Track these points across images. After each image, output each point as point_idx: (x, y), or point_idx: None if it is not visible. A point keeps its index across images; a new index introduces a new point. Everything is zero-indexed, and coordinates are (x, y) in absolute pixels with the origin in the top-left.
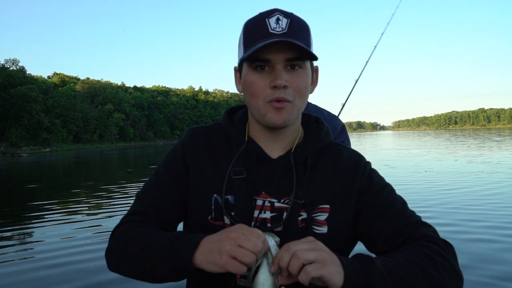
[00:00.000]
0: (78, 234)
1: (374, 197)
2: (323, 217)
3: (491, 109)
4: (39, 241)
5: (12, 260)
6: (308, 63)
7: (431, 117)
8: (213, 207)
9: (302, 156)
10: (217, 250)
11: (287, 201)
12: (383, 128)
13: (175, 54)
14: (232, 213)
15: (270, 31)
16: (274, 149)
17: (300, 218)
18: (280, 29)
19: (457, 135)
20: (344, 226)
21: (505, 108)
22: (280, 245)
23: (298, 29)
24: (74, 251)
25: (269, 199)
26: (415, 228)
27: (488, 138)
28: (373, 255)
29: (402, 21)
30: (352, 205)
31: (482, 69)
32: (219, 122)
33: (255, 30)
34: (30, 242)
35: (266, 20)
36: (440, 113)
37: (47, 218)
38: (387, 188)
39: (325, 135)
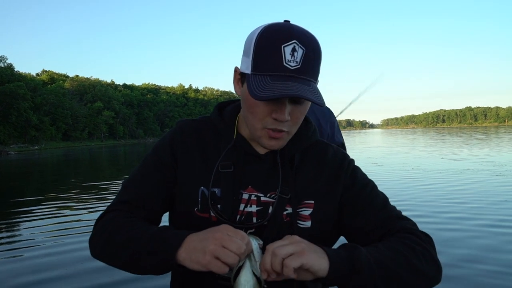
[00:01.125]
0: (67, 231)
1: (357, 192)
2: (307, 212)
3: (478, 107)
4: (28, 239)
5: (1, 259)
6: None
7: (419, 115)
8: (199, 199)
9: (290, 153)
10: (201, 249)
11: (273, 195)
12: (372, 126)
13: (165, 51)
14: (218, 206)
15: (284, 64)
16: None
17: (285, 212)
18: (294, 63)
19: (443, 133)
20: (326, 221)
21: (492, 107)
22: (263, 247)
23: (312, 62)
24: (65, 249)
25: (255, 193)
26: (395, 222)
27: (473, 136)
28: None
29: (391, 18)
30: (336, 200)
31: (469, 68)
32: (209, 116)
33: (268, 55)
34: (19, 240)
35: (282, 48)
36: (428, 112)
37: (36, 214)
38: (370, 184)
39: (312, 133)
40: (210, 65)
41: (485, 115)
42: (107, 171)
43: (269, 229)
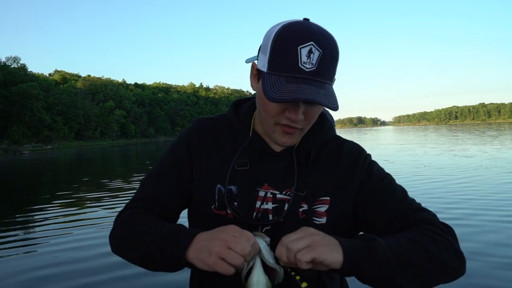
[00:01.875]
0: (79, 228)
1: (374, 186)
2: (323, 208)
3: (491, 103)
4: (42, 237)
5: (16, 254)
6: None
7: (431, 112)
8: (216, 197)
9: (305, 150)
10: (207, 250)
11: (289, 193)
12: (383, 123)
13: (176, 50)
14: (235, 203)
15: (300, 65)
16: None
17: (301, 209)
18: (310, 65)
19: (455, 130)
20: (342, 217)
21: (505, 103)
22: (271, 244)
23: (328, 64)
24: (75, 245)
25: (271, 191)
26: (415, 213)
27: (487, 134)
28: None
29: (402, 15)
30: (352, 196)
31: (482, 64)
32: (225, 114)
33: (284, 55)
34: (33, 238)
35: (298, 49)
36: (440, 108)
37: (49, 213)
38: (388, 178)
39: (328, 130)
40: (221, 63)
41: (499, 111)
42: (119, 169)
43: (285, 226)
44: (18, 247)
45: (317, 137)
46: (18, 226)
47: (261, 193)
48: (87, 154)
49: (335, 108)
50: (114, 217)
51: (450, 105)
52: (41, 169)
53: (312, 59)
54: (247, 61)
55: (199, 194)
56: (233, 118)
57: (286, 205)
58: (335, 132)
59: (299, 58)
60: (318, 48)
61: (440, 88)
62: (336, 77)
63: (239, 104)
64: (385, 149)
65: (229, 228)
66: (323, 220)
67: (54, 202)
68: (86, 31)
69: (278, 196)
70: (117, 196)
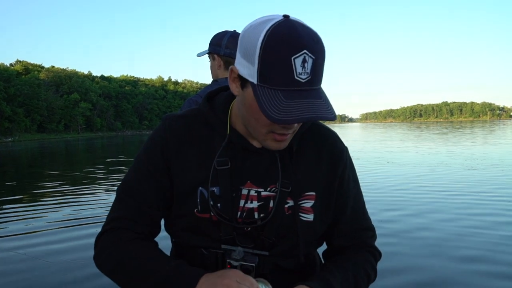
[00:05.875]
0: (45, 227)
1: (347, 190)
2: (309, 204)
3: (454, 102)
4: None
5: None
6: None
7: (397, 109)
8: (198, 200)
9: (288, 144)
10: None
11: (274, 189)
12: (351, 120)
13: (144, 43)
14: (218, 205)
15: (296, 78)
16: None
17: (286, 205)
18: (305, 75)
19: (420, 128)
20: (328, 213)
21: (467, 102)
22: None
23: (320, 68)
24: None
25: (255, 189)
26: (367, 236)
27: (449, 132)
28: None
29: (368, 13)
30: (334, 191)
31: (446, 63)
32: (197, 108)
33: (277, 68)
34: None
35: (292, 60)
36: (405, 106)
37: (11, 210)
38: (357, 184)
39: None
40: (190, 57)
41: (461, 110)
42: (86, 163)
43: (271, 223)
44: None
45: (299, 129)
46: None
47: (244, 191)
48: (50, 147)
49: (334, 118)
50: (77, 215)
51: (415, 103)
52: (0, 162)
53: (307, 68)
54: (199, 55)
55: (179, 198)
56: (209, 114)
57: (271, 202)
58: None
59: (294, 70)
60: (311, 55)
61: (406, 86)
62: None
63: (212, 96)
64: (352, 146)
65: (232, 273)
66: (310, 217)
67: (17, 197)
68: (51, 20)
69: (263, 193)
70: (82, 193)
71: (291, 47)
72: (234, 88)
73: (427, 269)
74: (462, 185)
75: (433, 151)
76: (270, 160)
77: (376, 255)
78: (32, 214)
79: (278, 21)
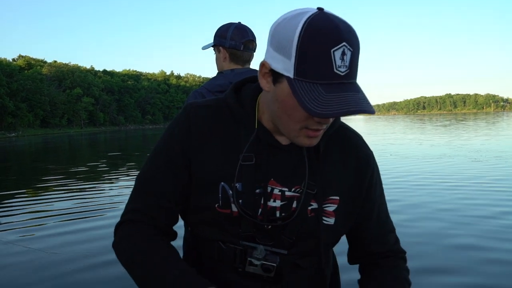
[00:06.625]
0: (47, 221)
1: (374, 196)
2: (332, 208)
3: (457, 94)
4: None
5: None
6: None
7: (400, 102)
8: (220, 195)
9: (316, 143)
10: None
11: (298, 189)
12: None
13: (146, 37)
14: (240, 201)
15: (335, 70)
16: None
17: (310, 208)
18: (344, 68)
19: (423, 120)
20: (349, 218)
21: (470, 94)
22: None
23: (357, 61)
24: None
25: (279, 188)
26: (394, 240)
27: (453, 124)
28: None
29: (372, 4)
30: (360, 199)
31: (450, 56)
32: (223, 98)
33: (317, 61)
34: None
35: (332, 53)
36: (409, 99)
37: (16, 203)
38: (382, 187)
39: (336, 119)
40: (192, 51)
41: (464, 102)
42: (88, 157)
43: (292, 224)
44: None
45: (327, 128)
46: None
47: (268, 189)
48: (54, 142)
49: (374, 112)
50: (84, 209)
51: (418, 96)
52: (4, 157)
53: (346, 61)
54: (204, 48)
55: (201, 193)
56: (236, 107)
57: (295, 202)
58: (340, 119)
59: (334, 63)
60: (350, 48)
61: (409, 79)
62: None
63: (239, 87)
64: None
65: None
66: (331, 221)
67: (22, 191)
68: (53, 15)
69: (287, 193)
70: (85, 190)
71: (330, 39)
72: (265, 83)
73: (425, 256)
74: (463, 176)
75: (435, 143)
76: (297, 159)
77: (406, 258)
78: (36, 207)
79: (314, 13)
